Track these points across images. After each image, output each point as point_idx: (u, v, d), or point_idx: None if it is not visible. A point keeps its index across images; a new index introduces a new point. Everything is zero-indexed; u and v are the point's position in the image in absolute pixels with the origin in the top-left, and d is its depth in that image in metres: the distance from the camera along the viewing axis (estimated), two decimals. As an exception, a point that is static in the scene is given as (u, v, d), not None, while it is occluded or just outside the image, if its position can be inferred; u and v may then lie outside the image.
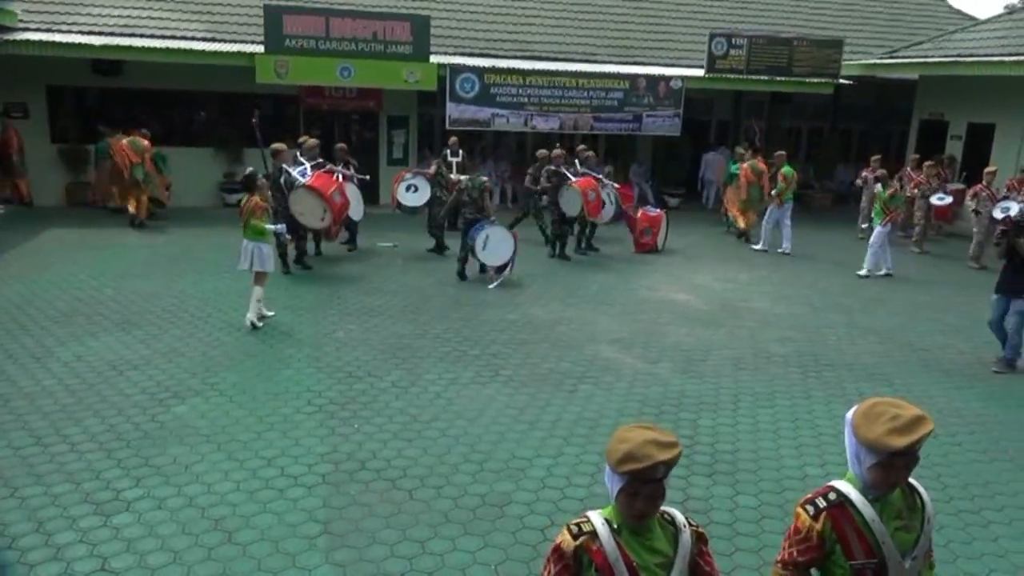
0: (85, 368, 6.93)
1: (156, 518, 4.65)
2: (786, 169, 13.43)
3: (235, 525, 4.63)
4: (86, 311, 8.56)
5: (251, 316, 8.23)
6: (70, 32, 14.09)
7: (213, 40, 14.98)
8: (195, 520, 4.66)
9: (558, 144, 14.76)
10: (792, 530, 2.45)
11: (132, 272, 10.30)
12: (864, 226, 14.62)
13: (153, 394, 6.45)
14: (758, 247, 13.64)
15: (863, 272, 11.92)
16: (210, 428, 5.88)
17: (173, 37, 14.71)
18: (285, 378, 6.94)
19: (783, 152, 14.04)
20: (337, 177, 11.07)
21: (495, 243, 10.48)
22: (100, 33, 14.27)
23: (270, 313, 8.58)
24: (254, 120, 10.40)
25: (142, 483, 5.04)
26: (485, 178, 11.29)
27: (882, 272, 11.94)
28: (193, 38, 14.87)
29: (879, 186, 12.11)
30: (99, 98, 15.46)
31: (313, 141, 11.62)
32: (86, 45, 13.55)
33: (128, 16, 15.01)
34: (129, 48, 13.79)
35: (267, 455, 5.49)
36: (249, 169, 8.71)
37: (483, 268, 10.91)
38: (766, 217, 13.65)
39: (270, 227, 8.34)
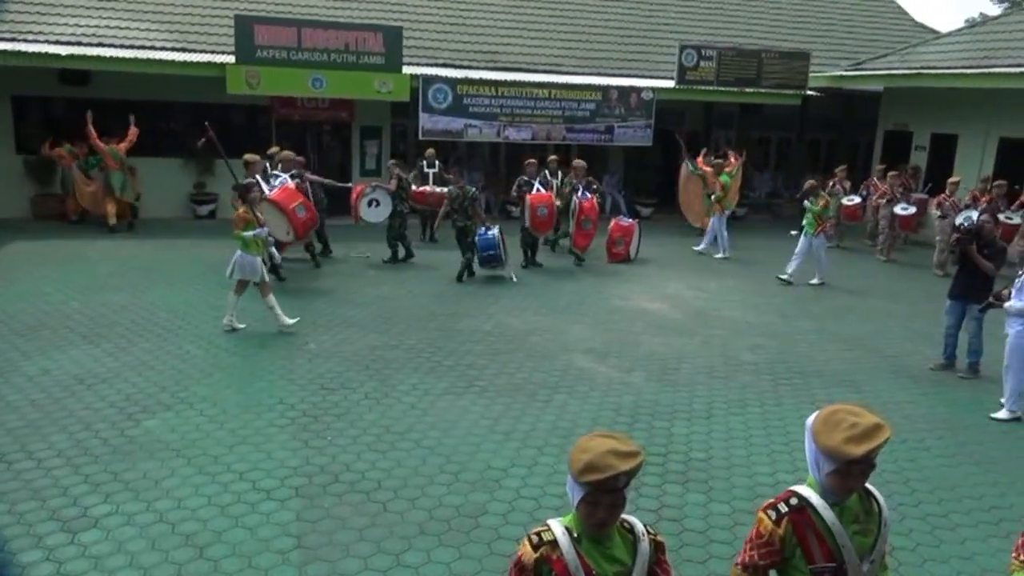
0: (52, 383, 6.81)
1: (125, 534, 4.58)
2: (723, 178, 13.95)
3: (206, 540, 4.57)
4: (53, 324, 8.42)
5: (283, 320, 8.47)
6: (36, 42, 13.90)
7: (183, 50, 14.86)
8: (165, 536, 4.59)
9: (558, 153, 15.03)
10: (754, 534, 2.49)
11: (100, 284, 10.15)
12: (793, 232, 14.92)
13: (122, 408, 6.35)
14: (720, 256, 13.85)
15: (816, 281, 11.96)
16: (181, 442, 5.80)
17: (142, 47, 14.56)
18: (257, 390, 6.87)
19: (720, 161, 14.56)
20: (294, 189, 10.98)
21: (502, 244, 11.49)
22: (67, 43, 14.09)
23: (241, 325, 8.51)
24: (209, 133, 10.10)
25: (111, 499, 4.96)
26: (474, 188, 11.90)
27: (785, 276, 11.95)
28: (163, 48, 14.74)
29: (810, 198, 11.98)
30: (66, 108, 15.23)
31: (288, 153, 11.64)
32: (53, 55, 13.37)
33: (96, 26, 14.84)
34: (97, 58, 13.64)
35: (239, 469, 5.43)
36: (247, 180, 8.77)
37: (469, 272, 11.43)
38: (719, 226, 13.98)
39: (248, 234, 8.30)
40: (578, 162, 13.29)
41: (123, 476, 5.25)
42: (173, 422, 6.14)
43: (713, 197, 13.94)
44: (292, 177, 11.13)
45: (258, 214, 8.52)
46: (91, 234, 13.36)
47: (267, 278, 8.56)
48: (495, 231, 11.38)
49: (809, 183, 12.32)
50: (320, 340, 8.33)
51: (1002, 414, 6.96)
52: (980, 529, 5.08)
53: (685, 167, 15.53)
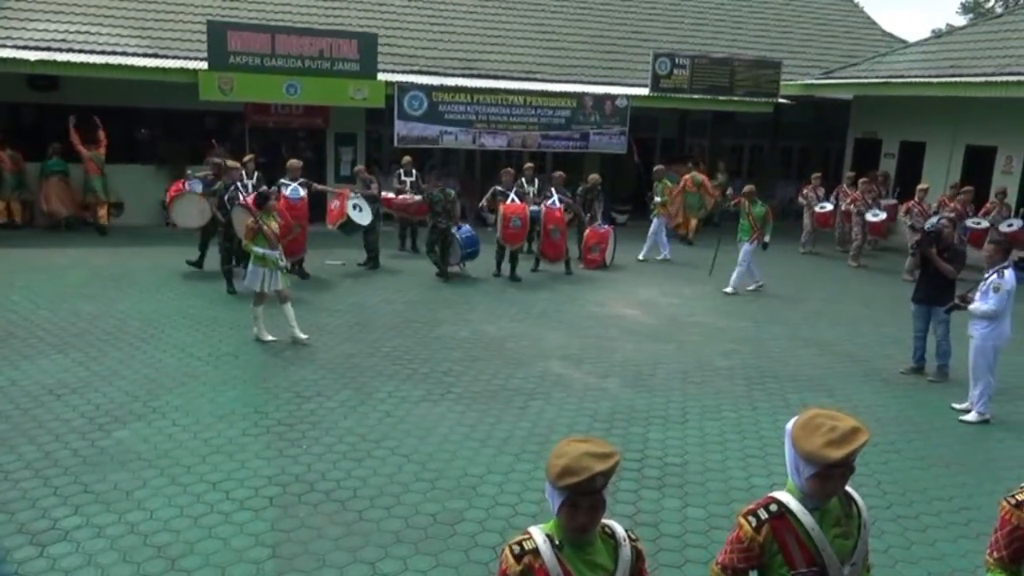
0: (19, 393, 6.69)
1: (95, 547, 4.51)
2: (667, 180, 14.60)
3: (179, 552, 4.51)
4: (21, 334, 8.27)
5: (263, 335, 8.38)
6: (3, 47, 13.67)
7: (155, 56, 14.71)
8: (137, 548, 4.52)
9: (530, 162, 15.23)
10: (734, 538, 2.51)
11: (70, 293, 9.99)
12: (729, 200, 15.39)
13: (92, 418, 6.25)
14: (641, 257, 14.13)
15: (728, 290, 11.72)
16: (153, 452, 5.72)
17: (113, 53, 14.40)
18: (231, 399, 6.80)
19: (661, 166, 15.00)
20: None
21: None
22: (36, 48, 13.90)
23: (303, 336, 8.40)
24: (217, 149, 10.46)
25: (80, 511, 4.88)
26: (452, 191, 12.19)
27: (752, 287, 11.86)
28: (134, 54, 14.59)
29: (746, 203, 11.79)
30: (35, 114, 15.02)
31: (295, 161, 11.85)
32: (21, 60, 13.18)
33: (66, 31, 14.65)
34: (67, 64, 13.47)
35: (212, 479, 5.37)
36: (263, 188, 8.74)
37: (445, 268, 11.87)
38: (658, 229, 14.30)
39: (257, 250, 8.20)
40: (598, 176, 13.87)
41: (93, 487, 5.17)
42: (145, 432, 6.06)
43: (659, 200, 14.28)
44: (301, 186, 11.35)
45: (270, 224, 8.38)
46: (61, 242, 13.15)
47: (268, 291, 8.35)
48: (469, 227, 12.31)
49: (748, 188, 12.15)
50: (295, 347, 8.26)
51: (971, 416, 7.08)
52: (950, 530, 5.16)
53: (688, 178, 16.06)
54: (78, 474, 5.34)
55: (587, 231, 13.47)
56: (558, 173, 13.57)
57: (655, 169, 14.86)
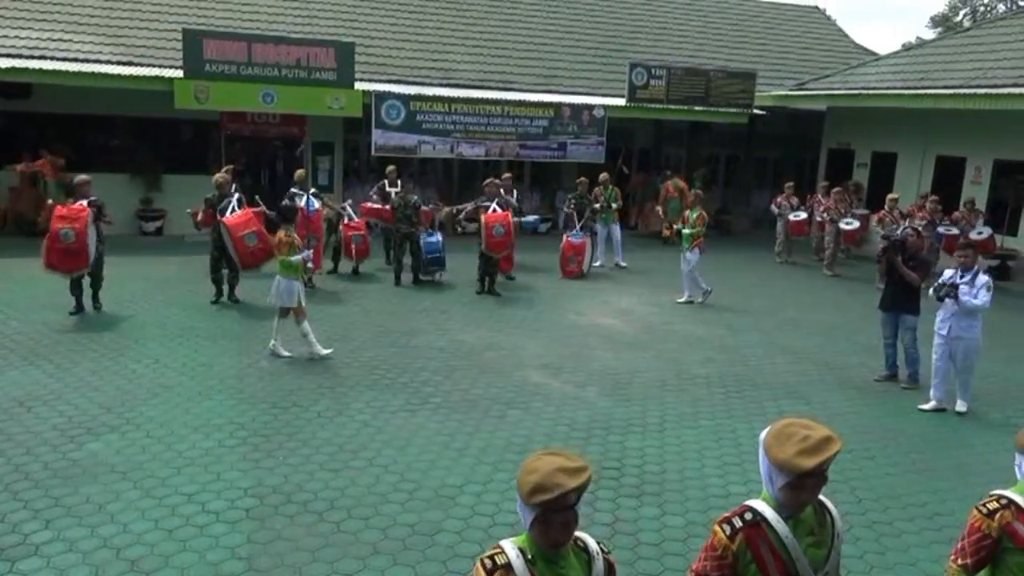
0: (-11, 405, 6.58)
1: (67, 561, 4.43)
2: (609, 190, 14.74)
3: (153, 565, 4.44)
4: (-10, 345, 8.14)
5: (317, 350, 8.22)
6: (-26, 53, 13.51)
7: (129, 64, 14.58)
8: (110, 562, 4.45)
9: (509, 171, 15.25)
10: (709, 545, 2.51)
11: (40, 303, 9.84)
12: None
13: (64, 430, 6.15)
14: (596, 264, 14.15)
15: (682, 299, 11.71)
16: (126, 465, 5.64)
17: (87, 60, 14.25)
18: (206, 410, 6.73)
19: (606, 175, 15.02)
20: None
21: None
22: (7, 55, 13.72)
23: (286, 353, 8.20)
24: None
25: (52, 525, 4.80)
26: (415, 196, 12.19)
27: (696, 299, 11.65)
28: (108, 62, 14.44)
29: (687, 212, 11.69)
30: (6, 121, 14.81)
31: (301, 172, 12.01)
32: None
33: (38, 38, 14.48)
34: (39, 71, 13.30)
35: (187, 491, 5.31)
36: (284, 202, 8.72)
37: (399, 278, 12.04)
38: (618, 234, 14.46)
39: (295, 258, 8.11)
40: (501, 181, 13.04)
41: (65, 501, 5.09)
42: (118, 444, 5.97)
43: (615, 206, 14.42)
44: (313, 197, 11.45)
45: (296, 237, 8.32)
46: (33, 251, 12.92)
47: (303, 303, 8.26)
48: (438, 236, 12.24)
49: (695, 193, 12.16)
50: (271, 358, 8.20)
51: (962, 407, 7.43)
52: (923, 536, 5.22)
53: (670, 184, 16.78)
54: (49, 487, 5.25)
55: (564, 241, 13.51)
56: (504, 178, 13.26)
57: (600, 178, 14.67)
